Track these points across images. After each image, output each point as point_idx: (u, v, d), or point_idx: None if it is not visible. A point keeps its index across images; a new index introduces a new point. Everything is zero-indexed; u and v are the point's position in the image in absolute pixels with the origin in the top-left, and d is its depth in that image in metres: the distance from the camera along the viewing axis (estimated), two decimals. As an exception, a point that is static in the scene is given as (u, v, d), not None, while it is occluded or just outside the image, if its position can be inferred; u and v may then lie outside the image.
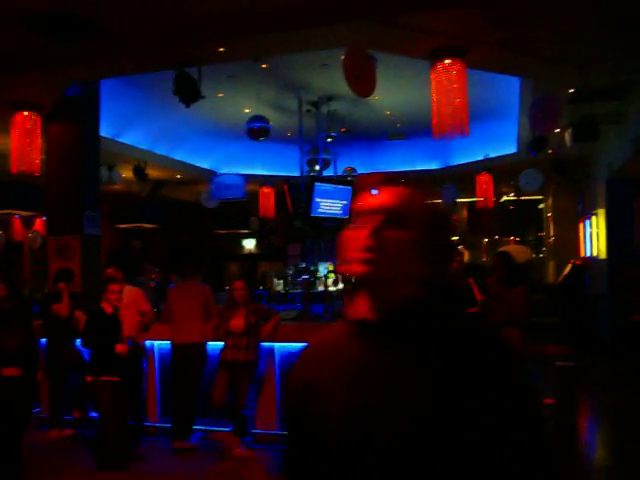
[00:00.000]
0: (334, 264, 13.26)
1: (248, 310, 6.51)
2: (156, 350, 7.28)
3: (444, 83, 6.20)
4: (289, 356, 6.79)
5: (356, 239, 1.41)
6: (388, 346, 1.36)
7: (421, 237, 1.40)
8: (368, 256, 1.37)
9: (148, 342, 7.16)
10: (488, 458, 1.24)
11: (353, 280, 1.43)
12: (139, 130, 12.03)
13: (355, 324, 1.43)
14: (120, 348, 5.94)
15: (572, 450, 6.10)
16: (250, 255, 19.36)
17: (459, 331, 1.37)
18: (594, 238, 12.98)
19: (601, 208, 11.96)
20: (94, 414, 6.64)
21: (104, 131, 9.58)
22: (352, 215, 1.48)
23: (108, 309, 6.04)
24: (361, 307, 1.42)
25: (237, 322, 6.43)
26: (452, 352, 1.31)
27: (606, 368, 10.25)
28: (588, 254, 13.80)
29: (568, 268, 13.56)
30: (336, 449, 1.34)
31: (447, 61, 6.21)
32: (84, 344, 6.19)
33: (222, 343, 6.53)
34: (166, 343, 6.98)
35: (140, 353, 6.96)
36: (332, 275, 12.42)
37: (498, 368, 1.31)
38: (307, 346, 1.56)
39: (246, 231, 18.10)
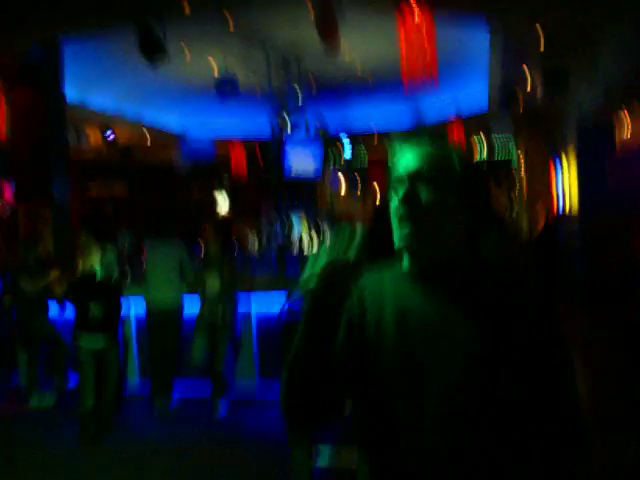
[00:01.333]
0: (308, 223, 13.25)
1: (224, 270, 6.48)
2: (132, 314, 7.23)
3: (412, 30, 6.11)
4: (266, 313, 6.78)
5: (393, 207, 1.49)
6: (439, 290, 1.48)
7: (453, 190, 1.49)
8: (404, 223, 1.46)
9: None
10: (524, 395, 1.40)
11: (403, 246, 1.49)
12: (107, 94, 11.78)
13: (408, 268, 1.53)
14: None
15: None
16: (224, 216, 19.22)
17: (501, 281, 1.50)
18: (566, 189, 13.03)
19: (572, 157, 11.98)
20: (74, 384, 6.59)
21: (72, 96, 9.37)
22: (390, 181, 1.53)
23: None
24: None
25: (213, 283, 6.40)
26: (496, 299, 1.45)
27: (580, 322, 10.37)
28: (561, 208, 13.88)
29: (541, 224, 13.61)
30: (389, 376, 1.46)
31: (414, 7, 6.12)
32: (70, 302, 6.08)
33: (199, 303, 6.51)
34: (142, 307, 6.93)
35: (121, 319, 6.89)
36: (306, 228, 12.38)
37: (534, 314, 1.44)
38: (368, 275, 1.61)
39: (219, 191, 17.95)
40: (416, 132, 1.54)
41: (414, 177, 1.47)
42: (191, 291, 6.52)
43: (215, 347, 6.41)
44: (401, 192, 1.47)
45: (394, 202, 1.49)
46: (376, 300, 1.54)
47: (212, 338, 6.41)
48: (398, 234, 1.48)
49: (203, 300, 6.43)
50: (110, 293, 5.91)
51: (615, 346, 7.54)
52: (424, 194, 1.46)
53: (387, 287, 1.55)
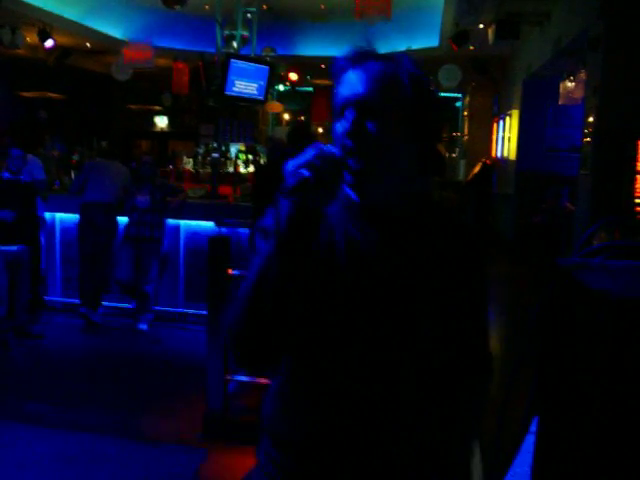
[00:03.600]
0: (246, 144, 13.05)
1: (154, 186, 6.37)
2: (57, 223, 7.03)
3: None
4: (194, 234, 6.72)
5: (339, 135, 1.35)
6: (383, 227, 1.39)
7: (405, 119, 1.35)
8: (349, 157, 1.31)
9: (48, 214, 6.89)
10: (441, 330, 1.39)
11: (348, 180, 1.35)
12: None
13: (355, 207, 1.41)
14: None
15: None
16: (161, 133, 18.79)
17: (440, 222, 1.46)
18: (506, 139, 13.19)
19: (516, 109, 12.09)
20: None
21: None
22: (335, 108, 1.39)
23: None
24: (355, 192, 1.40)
25: (143, 197, 6.27)
26: (434, 240, 1.41)
27: (506, 266, 10.66)
28: (499, 154, 14.07)
29: (478, 167, 13.80)
30: (334, 313, 1.36)
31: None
32: None
33: (127, 219, 6.39)
34: (70, 216, 6.76)
35: (36, 224, 6.68)
36: (243, 156, 12.22)
37: (464, 254, 1.43)
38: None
39: (158, 108, 17.49)
40: (364, 53, 1.37)
41: (361, 106, 1.32)
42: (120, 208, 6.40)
43: (141, 263, 6.33)
44: (346, 123, 1.33)
45: (338, 133, 1.35)
46: (326, 231, 1.41)
47: (138, 254, 6.32)
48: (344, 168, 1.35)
49: (132, 214, 6.30)
50: (23, 197, 5.74)
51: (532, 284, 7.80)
52: (371, 125, 1.32)
53: (335, 219, 1.43)
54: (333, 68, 1.41)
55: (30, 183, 5.98)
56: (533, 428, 1.28)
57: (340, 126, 1.35)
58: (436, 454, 1.42)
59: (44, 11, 11.45)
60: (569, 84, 8.84)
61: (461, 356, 1.42)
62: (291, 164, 1.26)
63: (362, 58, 1.37)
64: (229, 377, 4.20)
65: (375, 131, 1.32)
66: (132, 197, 6.31)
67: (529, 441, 1.34)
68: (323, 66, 13.84)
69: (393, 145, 1.35)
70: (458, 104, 18.34)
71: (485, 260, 1.49)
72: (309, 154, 1.26)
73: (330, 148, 1.29)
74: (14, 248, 5.68)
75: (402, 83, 1.35)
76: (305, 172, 1.23)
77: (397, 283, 1.36)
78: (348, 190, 1.37)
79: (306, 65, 14.64)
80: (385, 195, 1.39)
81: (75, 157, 11.04)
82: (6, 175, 5.86)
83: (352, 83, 1.35)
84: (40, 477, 3.64)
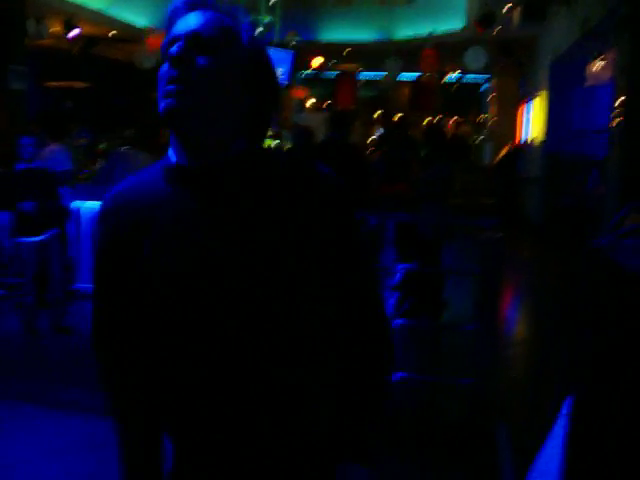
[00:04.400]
0: (271, 130, 13.04)
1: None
2: (83, 212, 7.10)
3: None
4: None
5: (162, 74, 1.25)
6: (210, 193, 1.27)
7: (238, 67, 1.27)
8: (172, 88, 1.21)
9: (76, 202, 6.95)
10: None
11: (164, 118, 1.24)
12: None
13: (170, 169, 1.31)
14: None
15: (491, 323, 6.32)
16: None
17: (278, 176, 1.30)
18: (533, 121, 13.04)
19: (543, 91, 11.95)
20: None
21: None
22: (165, 45, 1.28)
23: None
24: (175, 150, 1.31)
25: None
26: (281, 199, 1.27)
27: (535, 250, 10.58)
28: (526, 137, 13.92)
29: (505, 150, 13.68)
30: (166, 300, 1.26)
31: None
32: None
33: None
34: (97, 204, 6.80)
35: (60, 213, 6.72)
36: (269, 141, 12.21)
37: (326, 212, 1.28)
38: (118, 191, 1.38)
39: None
40: (204, 0, 1.29)
41: (191, 38, 1.23)
42: None
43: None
44: (173, 52, 1.22)
45: (162, 72, 1.25)
46: (140, 210, 1.30)
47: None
48: (162, 100, 1.23)
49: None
50: (43, 186, 5.76)
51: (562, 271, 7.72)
52: (202, 59, 1.22)
53: (152, 190, 1.31)
54: (168, 11, 1.32)
55: (50, 172, 5.96)
56: (564, 410, 1.26)
57: (165, 65, 1.25)
58: (320, 435, 1.34)
59: (68, 2, 11.53)
60: (597, 65, 8.70)
61: (340, 326, 1.35)
62: None
63: (202, 4, 1.30)
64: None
65: (205, 64, 1.22)
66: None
67: (560, 423, 1.32)
68: (347, 51, 13.78)
69: (221, 85, 1.24)
70: (484, 87, 18.15)
71: (352, 209, 1.32)
72: None
73: None
74: (40, 238, 5.73)
75: (239, 30, 1.30)
76: None
77: (237, 254, 1.24)
78: (170, 151, 1.31)
79: (330, 50, 14.58)
80: (206, 142, 1.26)
81: (102, 146, 11.13)
82: (21, 166, 5.84)
83: (187, 21, 1.27)
84: (74, 461, 3.70)
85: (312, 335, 1.29)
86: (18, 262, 5.95)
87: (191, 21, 1.26)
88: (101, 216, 1.37)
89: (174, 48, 1.22)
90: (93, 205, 6.96)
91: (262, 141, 1.36)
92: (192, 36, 1.23)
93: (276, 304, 1.25)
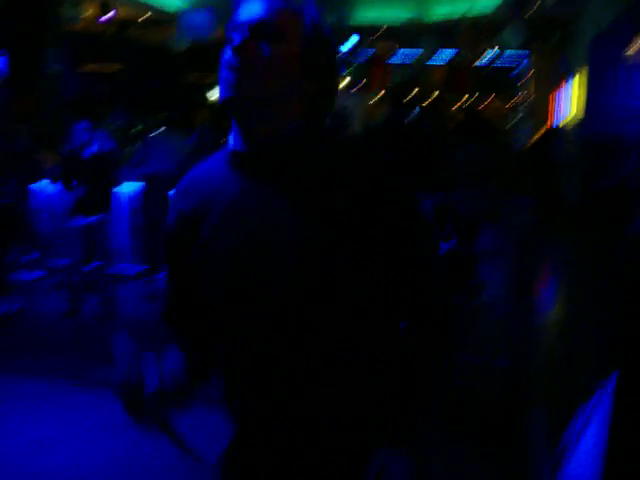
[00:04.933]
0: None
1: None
2: (122, 194, 7.15)
3: None
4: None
5: (226, 60, 1.27)
6: (267, 178, 1.30)
7: (298, 51, 1.28)
8: (234, 77, 1.24)
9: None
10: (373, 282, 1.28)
11: (224, 105, 1.28)
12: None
13: (229, 155, 1.35)
14: None
15: (527, 305, 6.24)
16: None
17: (339, 156, 1.31)
18: (574, 100, 12.78)
19: (583, 70, 11.69)
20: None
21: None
22: (229, 30, 1.30)
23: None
24: (236, 137, 1.33)
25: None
26: (339, 181, 1.27)
27: (572, 233, 10.40)
28: (565, 117, 13.66)
29: (543, 130, 13.45)
30: (223, 280, 1.32)
31: None
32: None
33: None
34: (134, 185, 6.88)
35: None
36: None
37: (386, 192, 1.28)
38: (187, 177, 1.45)
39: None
40: None
41: (256, 28, 1.26)
42: None
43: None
44: (237, 40, 1.25)
45: (226, 54, 1.28)
46: (203, 195, 1.36)
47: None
48: (224, 88, 1.27)
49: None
50: (98, 172, 5.82)
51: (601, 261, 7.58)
52: (265, 48, 1.25)
53: (215, 176, 1.36)
54: None
55: (99, 155, 6.02)
56: (608, 389, 1.21)
57: (228, 50, 1.28)
58: (376, 415, 1.33)
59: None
60: (639, 43, 8.48)
61: (398, 303, 1.35)
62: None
63: None
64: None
65: (267, 53, 1.25)
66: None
67: (603, 401, 1.27)
68: (384, 27, 13.63)
69: (283, 72, 1.27)
70: (521, 67, 17.82)
71: (408, 186, 1.31)
72: None
73: None
74: (93, 219, 5.80)
75: (302, 14, 1.30)
76: None
77: (297, 232, 1.26)
78: (231, 136, 1.34)
79: (365, 30, 14.47)
80: (269, 128, 1.29)
81: (137, 128, 11.20)
82: (91, 150, 5.89)
83: (251, 8, 1.29)
84: (108, 439, 3.75)
85: (368, 309, 1.30)
86: (63, 243, 6.03)
87: (255, 8, 1.28)
88: (171, 201, 1.46)
89: (237, 37, 1.25)
90: (130, 187, 7.00)
91: (322, 124, 1.36)
92: (255, 25, 1.26)
93: (331, 282, 1.26)
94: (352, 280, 1.27)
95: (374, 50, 16.70)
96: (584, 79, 11.50)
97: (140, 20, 14.02)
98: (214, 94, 18.87)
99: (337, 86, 1.39)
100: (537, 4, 10.36)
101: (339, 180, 1.26)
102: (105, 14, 11.91)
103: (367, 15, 13.79)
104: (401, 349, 1.34)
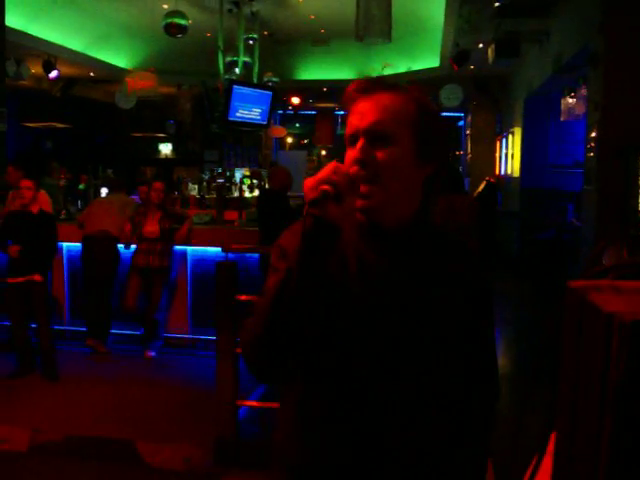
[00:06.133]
0: (251, 169, 13.09)
1: (163, 214, 6.37)
2: (64, 252, 7.06)
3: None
4: (201, 260, 6.74)
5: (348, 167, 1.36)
6: (389, 249, 1.42)
7: (414, 145, 1.38)
8: (362, 180, 1.34)
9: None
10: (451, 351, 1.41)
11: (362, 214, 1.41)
12: (50, 23, 11.26)
13: (363, 227, 1.43)
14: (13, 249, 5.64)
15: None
16: (166, 159, 18.90)
17: (446, 242, 1.49)
18: (509, 157, 13.22)
19: (518, 127, 12.15)
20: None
21: (11, 21, 8.93)
22: (346, 138, 1.43)
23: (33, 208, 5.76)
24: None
25: (152, 227, 6.29)
26: (441, 264, 1.43)
27: (512, 282, 10.64)
28: (503, 172, 14.09)
29: (482, 185, 13.80)
30: (341, 332, 1.38)
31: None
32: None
33: (134, 248, 6.40)
34: (76, 245, 6.78)
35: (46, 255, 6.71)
36: (248, 181, 12.25)
37: (470, 273, 1.46)
38: None
39: (162, 135, 17.61)
40: (372, 83, 1.41)
41: (371, 134, 1.35)
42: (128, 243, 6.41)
43: (150, 292, 6.33)
44: (356, 151, 1.35)
45: (349, 161, 1.37)
46: (340, 249, 1.40)
47: (146, 282, 6.33)
48: (359, 201, 1.36)
49: (140, 244, 6.31)
50: (38, 229, 5.74)
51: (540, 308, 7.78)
52: (381, 153, 1.34)
53: (347, 237, 1.41)
54: (343, 98, 1.43)
55: (48, 215, 5.96)
56: (549, 448, 1.28)
57: (350, 154, 1.37)
58: (445, 476, 1.43)
59: (48, 43, 11.60)
60: (570, 100, 8.88)
61: (469, 378, 1.44)
62: (311, 180, 1.28)
63: (371, 88, 1.40)
64: (240, 402, 4.20)
65: (384, 159, 1.34)
66: (140, 227, 6.31)
67: (546, 461, 1.34)
68: (325, 89, 13.93)
69: (401, 172, 1.37)
70: (460, 123, 18.41)
71: (489, 281, 1.51)
72: (327, 170, 1.28)
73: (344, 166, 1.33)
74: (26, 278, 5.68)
75: (411, 112, 1.39)
76: (325, 187, 1.25)
77: (405, 305, 1.38)
78: (359, 211, 1.41)
79: (308, 89, 14.76)
80: (394, 218, 1.40)
81: (81, 186, 11.10)
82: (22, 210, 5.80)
83: (362, 113, 1.37)
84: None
85: (446, 387, 1.42)
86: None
87: (368, 114, 1.37)
88: None
89: (356, 147, 1.36)
90: (73, 246, 6.93)
91: (431, 204, 1.48)
92: (371, 133, 1.35)
93: (428, 359, 1.39)
94: (445, 362, 1.41)
95: (316, 111, 17.05)
96: (519, 136, 11.94)
97: (87, 77, 14.04)
98: (160, 151, 18.94)
99: (447, 165, 1.53)
100: (472, 65, 10.78)
101: (440, 264, 1.43)
102: (49, 72, 11.87)
103: (310, 76, 14.10)
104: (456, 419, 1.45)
